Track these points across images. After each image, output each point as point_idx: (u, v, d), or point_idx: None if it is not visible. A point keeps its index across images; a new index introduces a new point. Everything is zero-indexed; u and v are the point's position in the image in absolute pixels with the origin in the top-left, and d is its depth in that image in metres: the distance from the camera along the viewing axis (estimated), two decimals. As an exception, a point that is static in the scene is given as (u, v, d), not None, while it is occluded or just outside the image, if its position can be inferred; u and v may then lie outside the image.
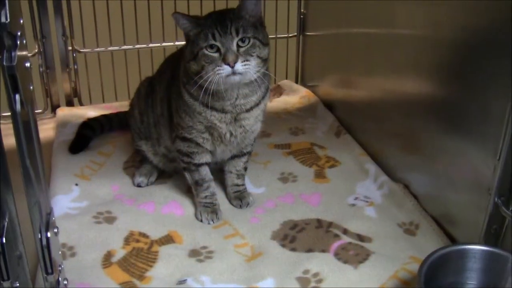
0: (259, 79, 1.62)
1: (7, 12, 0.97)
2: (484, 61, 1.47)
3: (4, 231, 1.04)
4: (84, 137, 2.14)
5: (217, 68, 1.54)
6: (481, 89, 1.49)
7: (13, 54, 0.99)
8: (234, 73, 1.54)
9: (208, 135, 1.73)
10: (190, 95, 1.66)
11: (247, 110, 1.69)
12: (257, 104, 1.70)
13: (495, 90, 1.42)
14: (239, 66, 1.54)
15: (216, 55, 1.56)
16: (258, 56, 1.58)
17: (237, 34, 1.55)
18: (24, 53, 1.05)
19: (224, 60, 1.53)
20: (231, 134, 1.72)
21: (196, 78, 1.59)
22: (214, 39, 1.55)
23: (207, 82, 1.56)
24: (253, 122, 1.73)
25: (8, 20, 0.97)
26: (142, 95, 1.94)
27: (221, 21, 1.56)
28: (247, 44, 1.56)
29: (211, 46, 1.55)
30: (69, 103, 2.50)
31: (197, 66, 1.58)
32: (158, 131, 1.88)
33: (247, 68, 1.56)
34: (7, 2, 0.97)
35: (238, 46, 1.55)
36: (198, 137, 1.73)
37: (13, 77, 1.00)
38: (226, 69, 1.54)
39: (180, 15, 1.60)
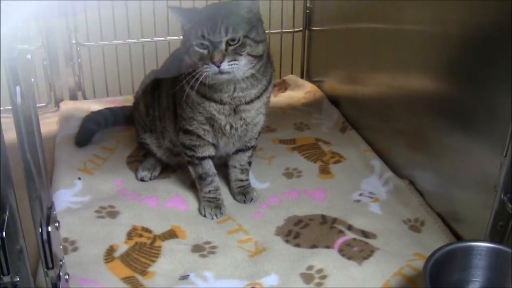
0: (257, 73, 1.61)
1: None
2: (491, 59, 1.45)
3: (5, 225, 1.04)
4: (88, 130, 2.14)
5: (205, 66, 1.54)
6: (488, 86, 1.48)
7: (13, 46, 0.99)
8: (221, 72, 1.54)
9: (209, 126, 1.72)
10: (190, 85, 1.65)
11: (247, 103, 1.69)
12: (258, 97, 1.70)
13: (502, 87, 1.40)
14: (225, 66, 1.53)
15: (205, 52, 1.55)
16: (249, 54, 1.57)
17: (226, 33, 1.53)
18: (26, 46, 1.04)
19: (211, 59, 1.53)
20: (231, 127, 1.71)
21: (190, 70, 1.59)
22: (203, 37, 1.53)
23: (199, 75, 1.56)
24: (254, 114, 1.72)
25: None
26: (148, 88, 1.94)
27: (212, 18, 1.55)
28: (237, 43, 1.54)
29: (201, 44, 1.55)
30: (73, 97, 2.50)
31: (190, 60, 1.59)
32: (163, 124, 1.88)
33: (234, 67, 1.54)
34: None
35: (228, 44, 1.54)
36: (199, 128, 1.73)
37: (14, 69, 0.99)
38: (212, 68, 1.53)
39: (174, 9, 1.61)
